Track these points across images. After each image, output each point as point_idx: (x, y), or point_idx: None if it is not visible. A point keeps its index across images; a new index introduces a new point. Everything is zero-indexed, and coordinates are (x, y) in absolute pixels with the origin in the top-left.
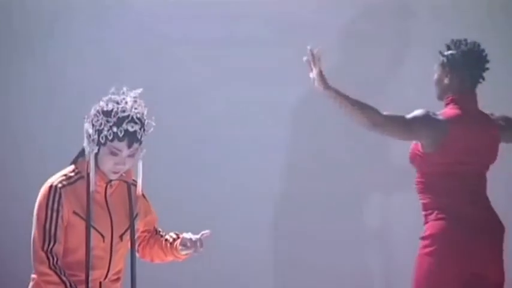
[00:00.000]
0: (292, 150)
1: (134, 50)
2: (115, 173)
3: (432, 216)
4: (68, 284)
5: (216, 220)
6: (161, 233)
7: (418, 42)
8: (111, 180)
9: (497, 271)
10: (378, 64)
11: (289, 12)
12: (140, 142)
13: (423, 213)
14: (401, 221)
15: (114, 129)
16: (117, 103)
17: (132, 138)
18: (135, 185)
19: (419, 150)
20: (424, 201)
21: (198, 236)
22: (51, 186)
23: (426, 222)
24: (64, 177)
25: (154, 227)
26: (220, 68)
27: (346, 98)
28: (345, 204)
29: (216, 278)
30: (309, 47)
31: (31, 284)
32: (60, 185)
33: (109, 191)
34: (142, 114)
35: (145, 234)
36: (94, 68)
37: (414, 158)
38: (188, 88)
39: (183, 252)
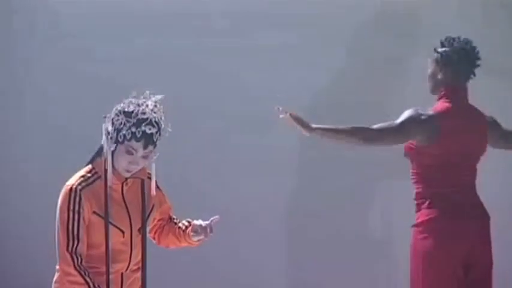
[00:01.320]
0: (301, 148)
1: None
2: (128, 171)
3: (425, 205)
4: (91, 285)
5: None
6: (175, 221)
7: (423, 42)
8: (126, 179)
9: (487, 254)
10: (382, 65)
11: (296, 11)
12: (155, 145)
13: (416, 201)
14: (408, 216)
15: (133, 129)
16: (139, 105)
17: (148, 140)
18: (147, 178)
19: (413, 144)
20: (418, 190)
21: (208, 222)
22: (71, 189)
23: (418, 210)
24: (82, 179)
25: (169, 215)
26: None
27: (333, 130)
28: (351, 201)
29: (225, 276)
30: (275, 108)
31: (56, 275)
32: (79, 187)
33: (125, 188)
34: (161, 118)
35: (161, 222)
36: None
37: (409, 151)
38: (193, 89)
39: (195, 239)
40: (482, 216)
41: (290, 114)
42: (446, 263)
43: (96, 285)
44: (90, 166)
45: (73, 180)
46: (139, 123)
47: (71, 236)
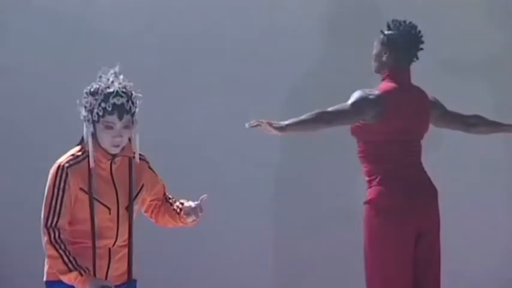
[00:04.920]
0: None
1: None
2: (115, 146)
3: (375, 182)
4: (64, 258)
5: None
6: (171, 201)
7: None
8: (114, 157)
9: (435, 223)
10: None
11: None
12: (131, 114)
13: (367, 179)
14: None
15: (103, 105)
16: (101, 82)
17: (121, 111)
18: (139, 159)
19: (360, 123)
20: (367, 168)
21: (197, 203)
22: (58, 166)
23: (370, 187)
24: (71, 157)
25: (163, 195)
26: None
27: (300, 121)
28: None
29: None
30: (246, 125)
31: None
32: (67, 165)
33: (114, 167)
34: (126, 87)
35: (156, 202)
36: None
37: (356, 130)
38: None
39: (189, 220)
40: (430, 190)
41: (262, 122)
42: (399, 238)
43: (71, 259)
44: (79, 146)
45: (62, 158)
46: (106, 98)
47: (52, 212)
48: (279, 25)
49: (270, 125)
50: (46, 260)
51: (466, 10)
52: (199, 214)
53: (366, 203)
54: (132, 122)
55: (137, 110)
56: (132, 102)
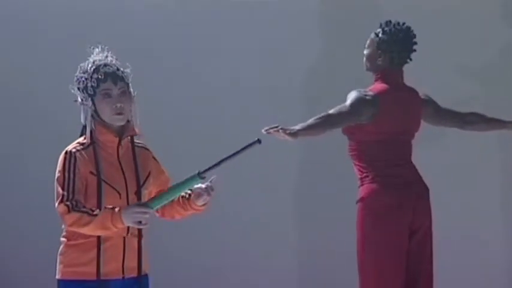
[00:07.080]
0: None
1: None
2: (118, 114)
3: (367, 179)
4: (89, 212)
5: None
6: None
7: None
8: (120, 139)
9: (427, 218)
10: None
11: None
12: (125, 83)
13: (359, 176)
14: None
15: (95, 75)
16: (88, 60)
17: (114, 77)
18: (142, 148)
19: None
20: (359, 166)
21: (207, 183)
22: (66, 152)
23: (362, 185)
24: (78, 144)
25: (168, 187)
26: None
27: (309, 126)
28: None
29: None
30: (263, 131)
31: (61, 246)
32: (74, 150)
33: (121, 151)
34: (112, 58)
35: None
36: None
37: (348, 130)
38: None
39: (200, 203)
40: (421, 189)
41: (278, 129)
42: (392, 236)
43: (96, 210)
44: (83, 136)
45: (70, 146)
46: (97, 69)
47: (66, 190)
48: (278, 26)
49: (284, 131)
50: (59, 258)
51: (466, 11)
52: (211, 193)
53: (358, 201)
54: (129, 92)
55: (130, 83)
56: (122, 72)
